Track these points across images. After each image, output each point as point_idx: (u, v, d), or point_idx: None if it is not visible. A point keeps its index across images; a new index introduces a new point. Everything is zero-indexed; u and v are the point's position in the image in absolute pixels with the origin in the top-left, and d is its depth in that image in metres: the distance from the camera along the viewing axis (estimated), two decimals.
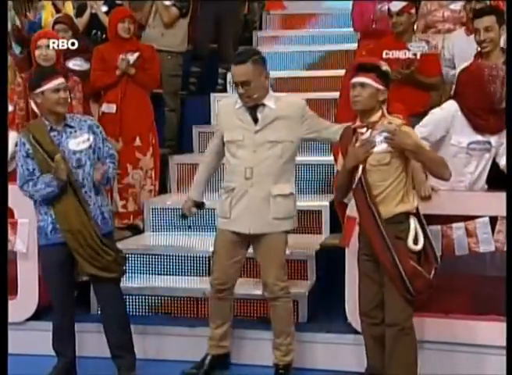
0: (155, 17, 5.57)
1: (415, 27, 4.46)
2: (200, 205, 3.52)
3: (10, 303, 3.78)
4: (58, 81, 3.30)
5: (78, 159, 3.30)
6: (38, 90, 3.30)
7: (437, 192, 3.41)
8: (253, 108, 3.32)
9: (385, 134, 3.01)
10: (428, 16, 4.97)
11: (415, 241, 3.06)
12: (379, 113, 3.09)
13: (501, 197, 3.25)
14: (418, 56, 3.95)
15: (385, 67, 3.11)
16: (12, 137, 4.24)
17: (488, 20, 3.77)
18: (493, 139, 3.51)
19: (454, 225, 3.46)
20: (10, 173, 4.21)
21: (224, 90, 5.88)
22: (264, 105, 3.31)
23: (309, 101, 3.49)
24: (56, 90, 3.28)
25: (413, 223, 3.07)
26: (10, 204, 3.78)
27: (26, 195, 3.39)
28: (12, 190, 3.84)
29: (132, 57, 4.81)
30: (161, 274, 4.15)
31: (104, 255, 3.33)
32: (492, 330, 3.38)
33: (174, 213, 4.50)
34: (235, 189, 3.34)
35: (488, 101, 3.40)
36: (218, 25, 5.94)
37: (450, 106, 3.53)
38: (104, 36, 5.32)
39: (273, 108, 3.31)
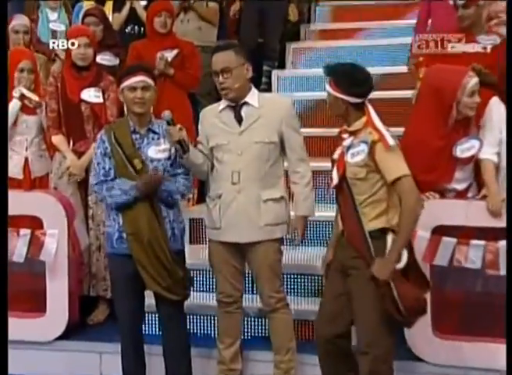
0: (187, 12, 5.55)
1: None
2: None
3: (38, 321, 3.93)
4: (136, 79, 3.29)
5: (155, 168, 3.31)
6: (120, 87, 3.35)
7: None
8: (236, 108, 3.34)
9: (363, 145, 2.96)
10: (492, 5, 4.88)
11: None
12: (362, 120, 3.03)
13: None
14: (489, 50, 3.86)
15: (352, 74, 3.03)
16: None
17: None
18: None
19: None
20: (40, 179, 4.31)
21: (269, 89, 5.84)
22: (247, 103, 3.34)
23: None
24: (133, 88, 3.29)
25: (390, 240, 3.00)
26: (39, 213, 3.91)
27: (97, 196, 3.41)
28: (42, 198, 3.97)
29: (170, 54, 4.79)
30: (200, 291, 4.12)
31: (172, 273, 3.31)
32: None
33: None
34: (222, 195, 3.36)
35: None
36: (262, 19, 5.93)
37: (496, 102, 3.55)
38: (141, 31, 5.31)
39: (256, 107, 3.33)
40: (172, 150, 3.34)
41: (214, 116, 3.41)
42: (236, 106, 3.36)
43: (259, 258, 3.39)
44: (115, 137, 3.33)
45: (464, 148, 3.52)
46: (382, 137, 2.98)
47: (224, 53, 3.30)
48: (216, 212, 3.39)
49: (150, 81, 3.34)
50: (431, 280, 3.41)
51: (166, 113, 3.29)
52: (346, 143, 3.05)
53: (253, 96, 3.37)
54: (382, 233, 3.01)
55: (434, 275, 3.48)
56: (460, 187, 3.58)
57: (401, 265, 2.98)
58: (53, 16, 5.48)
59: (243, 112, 3.35)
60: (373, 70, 5.52)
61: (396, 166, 2.97)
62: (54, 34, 5.20)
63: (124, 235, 3.31)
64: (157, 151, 3.34)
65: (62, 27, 5.38)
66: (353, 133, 3.05)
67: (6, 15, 3.96)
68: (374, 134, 2.99)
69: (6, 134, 3.70)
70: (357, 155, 3.00)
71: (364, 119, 3.04)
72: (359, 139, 3.02)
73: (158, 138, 3.36)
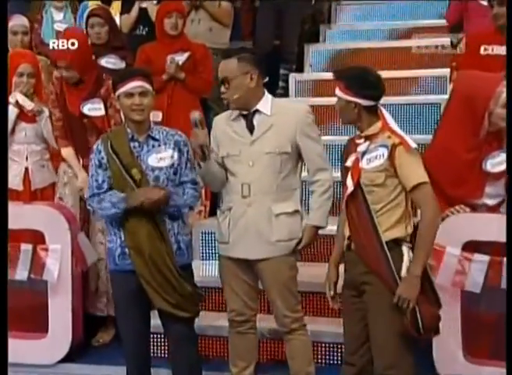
0: (198, 11, 5.46)
1: None
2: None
3: (40, 342, 3.91)
4: (134, 84, 3.21)
5: (156, 177, 3.22)
6: (116, 94, 3.28)
7: None
8: (248, 116, 3.28)
9: (382, 149, 2.90)
10: None
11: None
12: (378, 124, 2.97)
13: None
14: None
15: (363, 76, 2.98)
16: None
17: None
18: None
19: None
20: (41, 190, 4.27)
21: (286, 94, 5.76)
22: (258, 111, 3.27)
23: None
24: (130, 94, 3.21)
25: (406, 250, 2.93)
26: (41, 227, 3.87)
27: (91, 210, 3.34)
28: (43, 211, 3.95)
29: (181, 57, 4.73)
30: (212, 310, 4.05)
31: (178, 289, 3.23)
32: None
33: None
34: (232, 209, 3.29)
35: None
36: (279, 19, 5.84)
37: None
38: (149, 31, 5.22)
39: (268, 115, 3.27)
40: (175, 157, 3.26)
41: (226, 124, 3.34)
42: (248, 114, 3.29)
43: (271, 275, 3.30)
44: (111, 146, 3.24)
45: (496, 162, 3.40)
46: (403, 140, 2.91)
47: (226, 62, 3.25)
48: (225, 226, 3.32)
49: (148, 86, 3.26)
50: (461, 299, 3.40)
51: (196, 114, 3.19)
52: (361, 148, 2.98)
53: (265, 103, 3.29)
54: (396, 244, 2.93)
55: (465, 294, 3.41)
56: (491, 202, 3.46)
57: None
58: (58, 16, 5.45)
59: (255, 120, 3.29)
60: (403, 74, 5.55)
61: (415, 172, 2.90)
62: (58, 36, 5.11)
63: (126, 250, 3.23)
64: (158, 160, 3.24)
65: None
66: (368, 138, 2.98)
67: (6, 15, 3.90)
68: (393, 138, 2.93)
69: (6, 140, 3.65)
70: (374, 160, 2.94)
71: (379, 123, 2.97)
72: (376, 144, 2.95)
73: (159, 145, 3.27)
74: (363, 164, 2.95)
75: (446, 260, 3.33)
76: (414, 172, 2.89)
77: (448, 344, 3.34)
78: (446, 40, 5.27)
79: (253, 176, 3.23)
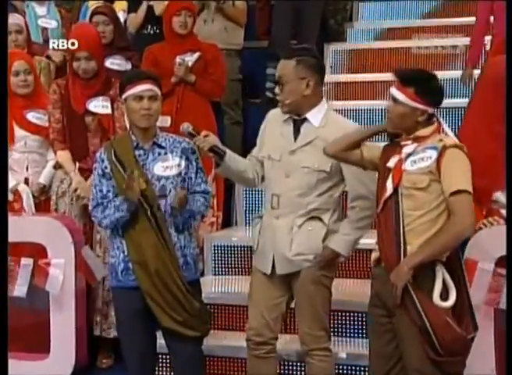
0: (210, 10, 5.48)
1: None
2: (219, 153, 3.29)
3: (42, 363, 3.94)
4: (143, 87, 3.22)
5: (162, 187, 3.23)
6: (122, 97, 3.28)
7: None
8: (297, 122, 3.28)
9: (430, 151, 2.88)
10: None
11: (444, 296, 2.87)
12: (431, 128, 2.96)
13: None
14: None
15: (432, 81, 2.96)
16: (50, 158, 4.28)
17: None
18: None
19: None
20: (44, 201, 4.31)
21: None
22: (307, 119, 3.26)
23: None
24: (139, 97, 3.22)
25: (439, 271, 2.88)
26: (43, 240, 3.90)
27: (96, 222, 3.35)
28: (46, 223, 3.98)
29: (190, 58, 4.73)
30: (223, 329, 4.05)
31: (186, 306, 3.23)
32: None
33: (241, 252, 4.40)
34: (263, 217, 3.35)
35: None
36: (296, 17, 5.84)
37: None
38: (158, 31, 5.22)
39: (316, 126, 3.25)
40: (183, 165, 3.27)
41: (277, 123, 3.35)
42: (298, 120, 3.28)
43: (299, 291, 3.29)
44: (115, 154, 3.25)
45: None
46: (458, 144, 2.90)
47: (285, 62, 3.26)
48: (256, 233, 3.36)
49: (157, 90, 3.27)
50: (495, 319, 3.36)
51: (185, 126, 3.25)
52: (406, 150, 2.94)
53: (317, 113, 3.26)
54: (429, 262, 2.88)
55: (499, 313, 3.36)
56: None
57: (449, 303, 2.87)
58: (41, 10, 5.35)
59: (303, 128, 3.27)
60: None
61: (460, 178, 2.86)
62: (44, 32, 5.07)
63: (130, 265, 3.22)
64: (164, 168, 3.26)
65: (53, 24, 5.29)
66: (416, 140, 2.95)
67: (6, 15, 3.93)
68: (446, 140, 2.91)
69: (6, 142, 3.67)
70: (420, 162, 2.90)
71: (432, 127, 2.96)
72: (425, 146, 2.92)
73: (165, 153, 3.28)
74: (406, 166, 2.92)
75: (478, 276, 3.28)
76: (459, 177, 2.85)
77: (480, 368, 3.29)
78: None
79: (284, 188, 3.24)
